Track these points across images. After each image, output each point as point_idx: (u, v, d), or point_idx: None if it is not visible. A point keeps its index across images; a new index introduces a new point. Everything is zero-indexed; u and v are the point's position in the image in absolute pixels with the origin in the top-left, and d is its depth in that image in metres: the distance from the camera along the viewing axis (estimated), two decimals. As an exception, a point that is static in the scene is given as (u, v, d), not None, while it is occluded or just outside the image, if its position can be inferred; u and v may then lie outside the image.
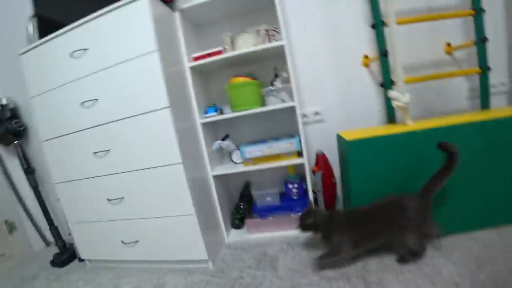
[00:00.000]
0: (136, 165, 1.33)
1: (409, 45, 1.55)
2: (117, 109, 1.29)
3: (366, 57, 1.60)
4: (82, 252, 1.69)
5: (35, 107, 1.49)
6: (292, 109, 1.46)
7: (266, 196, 1.63)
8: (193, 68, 1.48)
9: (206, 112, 1.54)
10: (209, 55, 1.45)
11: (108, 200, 1.43)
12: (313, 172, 1.57)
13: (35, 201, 1.93)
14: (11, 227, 2.04)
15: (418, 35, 1.56)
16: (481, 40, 1.39)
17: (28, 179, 1.88)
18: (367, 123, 1.67)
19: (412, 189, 1.12)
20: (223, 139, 1.64)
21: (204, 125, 1.53)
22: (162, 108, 1.22)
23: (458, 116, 1.39)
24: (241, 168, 1.53)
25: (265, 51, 1.42)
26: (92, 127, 1.36)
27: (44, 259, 1.88)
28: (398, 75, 1.24)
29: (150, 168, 1.30)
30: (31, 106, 1.50)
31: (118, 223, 1.47)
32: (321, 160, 1.60)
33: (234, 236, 1.65)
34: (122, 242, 1.48)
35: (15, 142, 1.88)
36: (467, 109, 1.67)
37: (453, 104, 1.67)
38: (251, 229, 1.62)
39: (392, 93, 1.25)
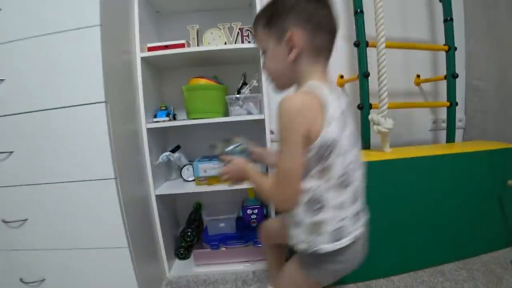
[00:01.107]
0: (48, 177, 0.95)
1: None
2: (30, 96, 0.92)
3: (341, 77, 1.48)
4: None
5: None
6: (259, 123, 1.24)
7: (219, 222, 1.35)
8: (145, 60, 1.18)
9: (155, 116, 1.23)
10: (168, 47, 1.17)
11: (4, 221, 1.02)
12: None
13: None
14: None
15: (393, 63, 1.50)
16: (452, 76, 1.37)
17: None
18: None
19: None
20: (172, 151, 1.33)
21: (151, 131, 1.21)
22: (95, 103, 0.89)
23: (431, 147, 1.37)
24: (192, 188, 1.24)
25: (236, 52, 1.20)
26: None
27: None
28: (382, 99, 1.11)
29: (68, 182, 0.95)
30: None
31: (18, 254, 1.05)
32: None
33: (178, 269, 1.33)
34: (21, 280, 1.06)
35: None
36: (430, 140, 1.65)
37: (416, 135, 1.63)
38: (200, 261, 1.32)
39: (374, 117, 1.12)
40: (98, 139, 0.90)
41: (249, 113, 1.26)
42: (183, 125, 1.28)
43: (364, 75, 1.19)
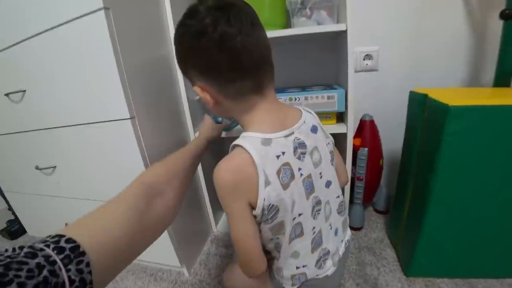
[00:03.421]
0: (70, 118, 0.75)
1: None
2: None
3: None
4: (28, 227, 1.22)
5: None
6: (333, 41, 0.82)
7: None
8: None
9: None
10: None
11: (38, 168, 0.90)
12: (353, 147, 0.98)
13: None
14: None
15: None
16: None
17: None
18: (443, 82, 1.01)
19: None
20: None
21: None
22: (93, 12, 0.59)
23: None
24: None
25: None
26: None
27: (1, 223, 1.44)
28: None
29: (88, 124, 0.73)
30: None
31: (58, 201, 0.95)
32: (368, 130, 0.99)
33: (226, 224, 1.13)
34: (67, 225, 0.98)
35: None
36: None
37: None
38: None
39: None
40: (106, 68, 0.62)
41: (320, 24, 0.84)
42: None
43: None
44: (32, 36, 0.68)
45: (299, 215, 0.49)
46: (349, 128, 0.81)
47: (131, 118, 0.65)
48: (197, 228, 1.01)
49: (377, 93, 1.08)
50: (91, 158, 0.78)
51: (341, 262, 0.59)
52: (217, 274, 0.89)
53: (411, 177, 0.80)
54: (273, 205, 0.45)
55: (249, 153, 0.43)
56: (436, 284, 0.77)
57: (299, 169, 0.47)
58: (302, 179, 0.48)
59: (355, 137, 0.93)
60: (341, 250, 0.60)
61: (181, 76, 0.86)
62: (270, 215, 0.45)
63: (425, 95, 0.71)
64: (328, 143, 0.55)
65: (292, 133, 0.48)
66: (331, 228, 0.56)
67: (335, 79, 1.01)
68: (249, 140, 0.45)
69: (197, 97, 0.94)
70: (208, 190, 1.02)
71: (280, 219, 0.47)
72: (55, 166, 0.87)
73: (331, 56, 0.99)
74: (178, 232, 0.85)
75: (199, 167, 0.98)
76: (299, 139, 0.48)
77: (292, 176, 0.46)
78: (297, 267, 0.53)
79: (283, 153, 0.46)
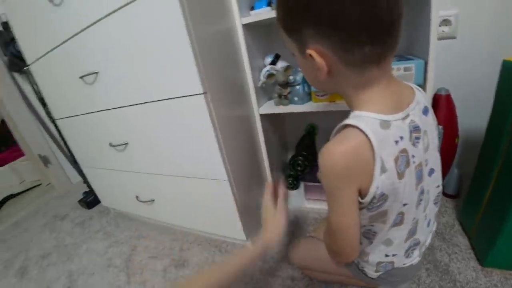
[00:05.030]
0: (142, 96, 0.77)
1: None
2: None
3: None
4: (103, 199, 1.34)
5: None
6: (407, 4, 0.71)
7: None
8: None
9: (252, 8, 0.84)
10: None
11: (111, 145, 0.95)
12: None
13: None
14: (45, 161, 1.78)
15: None
16: None
17: (46, 111, 1.48)
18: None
19: None
20: (272, 63, 0.93)
21: (248, 28, 0.83)
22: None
23: None
24: (307, 106, 0.87)
25: None
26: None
27: (78, 195, 1.61)
28: None
29: (159, 100, 0.74)
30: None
31: (129, 175, 1.01)
32: (444, 106, 0.87)
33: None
34: (137, 198, 1.05)
35: (25, 68, 1.44)
36: None
37: None
38: (311, 195, 1.06)
39: None
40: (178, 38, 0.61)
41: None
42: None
43: None
44: (104, 17, 0.69)
45: (404, 205, 0.44)
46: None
47: (204, 93, 0.64)
48: (259, 202, 1.00)
49: (454, 64, 0.94)
50: (163, 134, 0.80)
51: (419, 261, 0.56)
52: (280, 249, 0.89)
53: (498, 157, 0.68)
54: (384, 193, 0.40)
55: (366, 136, 0.37)
56: (517, 278, 0.67)
57: (413, 156, 0.42)
58: (414, 167, 0.42)
59: (429, 112, 0.82)
60: (428, 241, 0.56)
61: (245, 49, 0.81)
62: (378, 203, 0.41)
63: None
64: (436, 127, 0.48)
65: (408, 115, 0.41)
66: (425, 219, 0.51)
67: (406, 48, 0.89)
68: (365, 121, 0.38)
69: (260, 82, 0.90)
70: (270, 163, 1.00)
71: (385, 208, 0.42)
72: (127, 143, 0.91)
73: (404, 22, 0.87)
74: (243, 205, 0.85)
75: (260, 141, 0.94)
76: (414, 122, 0.42)
77: (407, 164, 0.41)
78: (387, 255, 0.50)
79: (401, 138, 0.40)
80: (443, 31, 0.91)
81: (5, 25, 1.32)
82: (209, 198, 0.84)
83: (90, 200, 1.50)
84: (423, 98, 0.47)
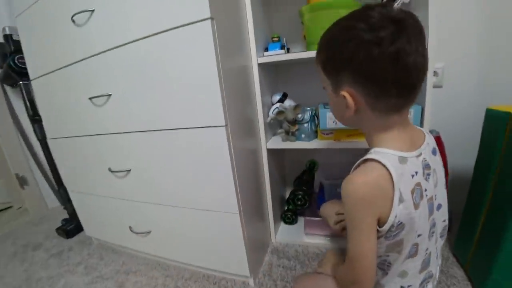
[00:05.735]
0: (156, 123, 0.77)
1: None
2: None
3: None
4: (87, 227, 1.24)
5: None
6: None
7: (337, 186, 1.03)
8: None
9: (266, 49, 0.90)
10: None
11: (111, 171, 0.91)
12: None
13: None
14: (22, 181, 1.65)
15: None
16: None
17: (34, 129, 1.40)
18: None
19: None
20: (280, 101, 0.99)
21: (263, 68, 0.89)
22: (199, 21, 0.61)
23: None
24: (313, 143, 0.91)
25: None
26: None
27: (55, 222, 1.48)
28: None
29: (179, 129, 0.73)
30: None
31: (125, 204, 0.96)
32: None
33: (284, 235, 1.09)
34: (130, 229, 0.98)
35: (20, 83, 1.39)
36: None
37: None
38: (311, 229, 1.05)
39: None
40: (206, 72, 0.63)
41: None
42: (298, 60, 0.90)
43: None
44: (131, 42, 0.70)
45: (419, 235, 0.47)
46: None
47: (226, 125, 0.65)
48: (260, 237, 0.98)
49: (442, 109, 1.04)
50: (174, 163, 0.78)
51: None
52: (283, 285, 0.85)
53: (486, 194, 0.74)
54: (401, 222, 0.43)
55: (386, 169, 0.42)
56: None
57: (425, 189, 0.46)
58: (426, 200, 0.47)
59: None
60: (437, 274, 0.57)
61: (258, 86, 0.86)
62: (396, 231, 0.44)
63: (509, 113, 0.67)
64: (442, 167, 0.54)
65: (421, 153, 0.47)
66: (436, 251, 0.54)
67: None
68: (386, 156, 0.43)
69: (269, 119, 0.93)
70: (272, 198, 1.00)
71: (401, 237, 0.45)
72: (129, 170, 0.88)
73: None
74: (250, 239, 0.82)
75: (265, 175, 0.96)
76: (425, 160, 0.47)
77: (421, 197, 0.45)
78: (402, 287, 0.50)
79: (416, 172, 0.45)
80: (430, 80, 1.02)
81: (7, 37, 1.29)
82: (215, 231, 0.81)
83: (70, 228, 1.38)
84: (431, 140, 0.53)
